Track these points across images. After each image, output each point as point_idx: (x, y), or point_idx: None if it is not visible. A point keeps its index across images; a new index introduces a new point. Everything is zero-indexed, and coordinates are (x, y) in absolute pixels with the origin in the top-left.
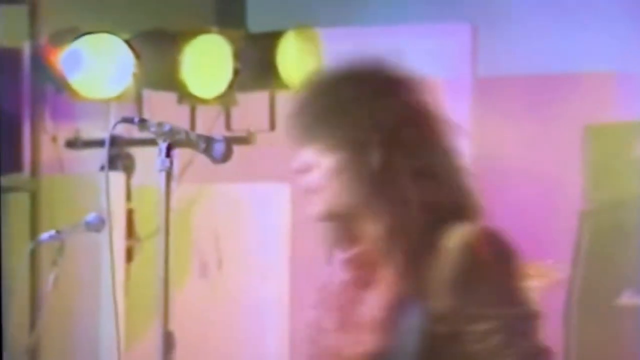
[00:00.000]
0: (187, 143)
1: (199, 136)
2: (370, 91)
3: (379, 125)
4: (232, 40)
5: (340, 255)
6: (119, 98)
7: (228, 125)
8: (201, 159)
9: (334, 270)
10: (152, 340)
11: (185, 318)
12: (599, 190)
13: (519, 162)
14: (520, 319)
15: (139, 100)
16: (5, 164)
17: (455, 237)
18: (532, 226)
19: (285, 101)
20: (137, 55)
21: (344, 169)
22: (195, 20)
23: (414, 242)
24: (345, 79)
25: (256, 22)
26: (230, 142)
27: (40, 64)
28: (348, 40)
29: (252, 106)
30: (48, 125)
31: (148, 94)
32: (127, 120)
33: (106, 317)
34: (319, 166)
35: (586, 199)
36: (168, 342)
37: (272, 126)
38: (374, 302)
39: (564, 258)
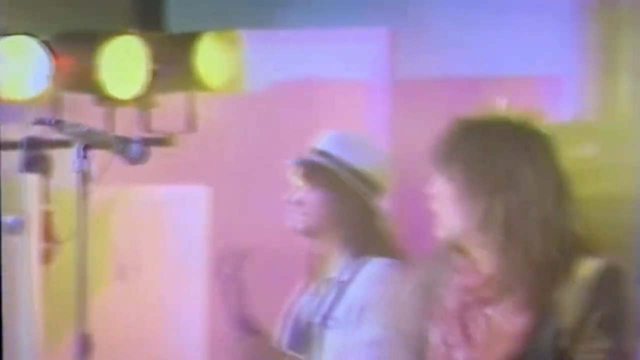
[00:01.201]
0: (104, 144)
1: (116, 137)
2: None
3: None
4: (150, 42)
5: (459, 280)
6: (36, 100)
7: (147, 127)
8: (120, 160)
9: (455, 291)
10: (71, 343)
11: (104, 321)
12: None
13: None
14: (627, 350)
15: (57, 102)
16: None
17: (589, 267)
18: None
19: (205, 103)
20: (55, 57)
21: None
22: (113, 22)
23: (536, 276)
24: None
25: (176, 23)
26: (147, 143)
27: None
28: (267, 43)
29: (171, 108)
30: None
31: (66, 95)
32: (43, 121)
33: (24, 320)
34: (443, 194)
35: None
36: (86, 344)
37: (192, 128)
38: (507, 316)
39: None
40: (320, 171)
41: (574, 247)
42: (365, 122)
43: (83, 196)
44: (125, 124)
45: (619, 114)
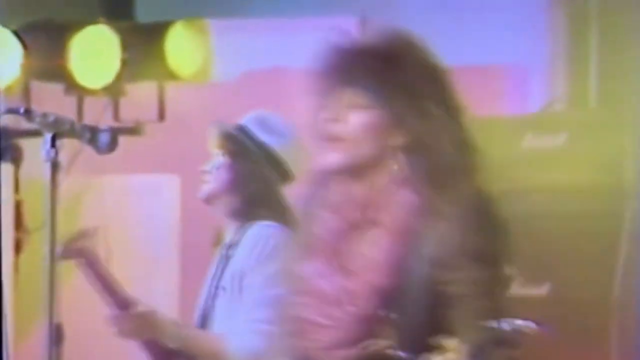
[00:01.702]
0: (72, 133)
1: (84, 127)
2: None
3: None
4: (119, 31)
5: (338, 199)
6: (6, 90)
7: (116, 116)
8: (90, 150)
9: (327, 219)
10: (41, 333)
11: (74, 311)
12: (488, 183)
13: None
14: (500, 280)
15: (26, 91)
16: None
17: (461, 194)
18: None
19: (174, 92)
20: (25, 46)
21: (379, 125)
22: (83, 11)
23: (433, 187)
24: (394, 50)
25: (145, 13)
26: (115, 132)
27: None
28: (236, 32)
29: (141, 97)
30: None
31: (36, 85)
32: (12, 111)
33: None
34: (351, 119)
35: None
36: (56, 334)
37: (161, 117)
38: (376, 244)
39: None
40: (231, 141)
41: (460, 169)
42: None
43: (52, 186)
44: (95, 113)
45: (586, 103)
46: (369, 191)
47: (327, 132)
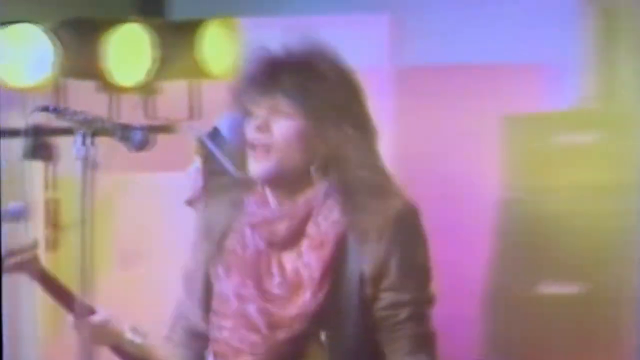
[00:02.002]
0: (104, 131)
1: (116, 124)
2: (325, 73)
3: (333, 103)
4: (152, 29)
5: (260, 214)
6: (38, 87)
7: (149, 114)
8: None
9: (247, 235)
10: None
11: (107, 308)
12: (518, 180)
13: (438, 151)
14: (428, 301)
15: (58, 89)
16: None
17: (388, 207)
18: (451, 214)
19: (206, 90)
20: (57, 44)
21: (302, 134)
22: (115, 9)
23: (355, 201)
24: (310, 59)
25: (179, 11)
26: (148, 130)
27: None
28: (267, 30)
29: (175, 95)
30: None
31: (69, 83)
32: (44, 108)
33: (27, 308)
34: (275, 128)
35: (505, 188)
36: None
37: (193, 115)
38: (312, 261)
39: (482, 247)
40: (202, 145)
41: (382, 187)
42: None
43: (87, 184)
44: (129, 111)
45: (618, 101)
46: (294, 204)
47: (252, 140)
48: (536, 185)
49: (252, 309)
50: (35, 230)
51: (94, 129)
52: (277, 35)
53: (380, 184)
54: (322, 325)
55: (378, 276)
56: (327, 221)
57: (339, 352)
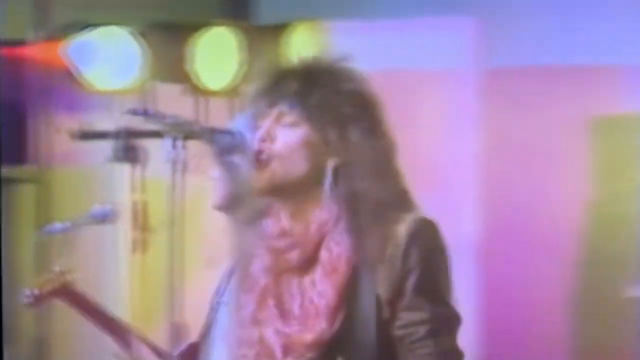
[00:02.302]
0: (192, 134)
1: (205, 128)
2: (334, 81)
3: (341, 113)
4: (239, 33)
5: (275, 245)
6: (126, 90)
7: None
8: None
9: (266, 260)
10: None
11: (196, 311)
12: (606, 182)
13: (524, 153)
14: (448, 318)
15: (147, 92)
16: (9, 155)
17: (401, 225)
18: (537, 217)
19: None
20: (145, 48)
21: (305, 142)
22: (202, 12)
23: (365, 221)
24: (318, 70)
25: (264, 14)
26: (235, 133)
27: (47, 55)
28: (353, 33)
29: None
30: (56, 117)
31: (156, 85)
32: (132, 112)
33: (115, 309)
34: (278, 138)
35: (592, 190)
36: (177, 333)
37: None
38: (326, 288)
39: (568, 249)
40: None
41: (393, 202)
42: (452, 113)
43: (174, 186)
44: (216, 114)
45: None
46: (306, 229)
47: (255, 151)
48: (623, 187)
49: (269, 332)
50: (123, 232)
51: (183, 132)
52: (362, 38)
53: (390, 199)
54: (338, 352)
55: (394, 298)
56: (339, 246)
57: None
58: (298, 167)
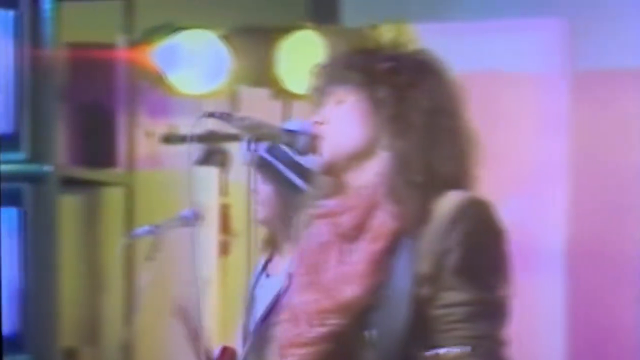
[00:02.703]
0: (269, 137)
1: (281, 130)
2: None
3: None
4: (326, 36)
5: (324, 209)
6: (213, 94)
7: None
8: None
9: (314, 227)
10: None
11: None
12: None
13: (613, 156)
14: (490, 304)
15: (233, 96)
16: (99, 159)
17: (449, 201)
18: (628, 221)
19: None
20: (232, 51)
21: (357, 116)
22: (289, 16)
23: (410, 191)
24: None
25: (351, 17)
26: (313, 136)
27: (135, 59)
28: (442, 36)
29: None
30: (143, 120)
31: (242, 89)
32: (210, 114)
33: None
34: (330, 117)
35: None
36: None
37: None
38: (361, 255)
39: None
40: (267, 167)
41: (454, 180)
42: (540, 116)
43: (251, 189)
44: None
45: None
46: (359, 195)
47: (315, 134)
48: None
49: (299, 300)
50: (210, 235)
51: (259, 134)
52: (449, 39)
53: (446, 175)
54: (367, 324)
55: (434, 275)
56: (385, 214)
57: (386, 352)
58: (348, 140)
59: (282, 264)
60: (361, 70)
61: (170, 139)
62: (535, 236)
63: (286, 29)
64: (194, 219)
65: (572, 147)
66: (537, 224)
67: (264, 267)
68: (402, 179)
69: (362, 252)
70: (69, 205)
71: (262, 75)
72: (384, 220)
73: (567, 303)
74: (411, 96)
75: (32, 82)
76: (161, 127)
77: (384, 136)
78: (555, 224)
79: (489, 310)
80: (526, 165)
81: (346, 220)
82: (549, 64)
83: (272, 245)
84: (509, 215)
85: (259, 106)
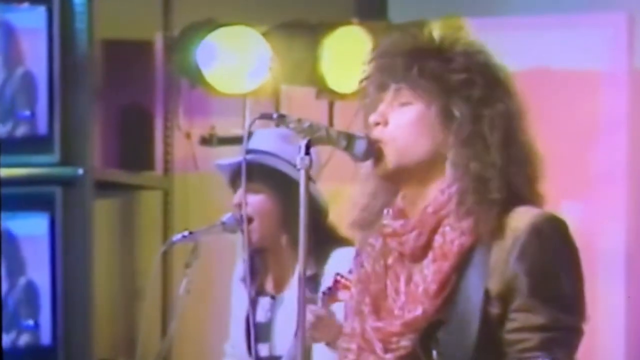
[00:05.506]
0: (327, 140)
1: (340, 133)
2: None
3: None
4: (373, 32)
5: (391, 226)
6: (255, 93)
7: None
8: (339, 156)
9: (377, 248)
10: None
11: None
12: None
13: None
14: (569, 329)
15: (276, 95)
16: (137, 161)
17: (524, 217)
18: None
19: None
20: (274, 48)
21: (420, 120)
22: (333, 11)
23: (486, 208)
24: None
25: (399, 12)
26: (372, 140)
27: (173, 57)
28: (495, 31)
29: None
30: (182, 121)
31: (285, 88)
32: (266, 116)
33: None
34: (391, 119)
35: None
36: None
37: None
38: (430, 274)
39: None
40: (270, 174)
41: (525, 193)
42: (602, 114)
43: (305, 193)
44: (342, 119)
45: None
46: (422, 208)
47: (370, 138)
48: None
49: (370, 326)
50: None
51: (317, 137)
52: (505, 35)
53: (516, 187)
54: (434, 344)
55: (506, 295)
56: (454, 231)
57: None
58: (415, 148)
59: (288, 283)
60: (432, 77)
61: (210, 140)
62: (595, 240)
63: (330, 25)
64: (235, 225)
65: (634, 148)
66: (596, 228)
67: (261, 290)
68: (479, 198)
69: (431, 271)
70: (103, 210)
71: (305, 73)
72: (452, 238)
73: (627, 307)
74: (487, 115)
75: (64, 80)
76: (201, 128)
77: (459, 158)
78: (615, 227)
79: (568, 336)
80: (585, 168)
81: (411, 240)
82: (610, 61)
83: (266, 264)
84: (568, 220)
85: (302, 106)
